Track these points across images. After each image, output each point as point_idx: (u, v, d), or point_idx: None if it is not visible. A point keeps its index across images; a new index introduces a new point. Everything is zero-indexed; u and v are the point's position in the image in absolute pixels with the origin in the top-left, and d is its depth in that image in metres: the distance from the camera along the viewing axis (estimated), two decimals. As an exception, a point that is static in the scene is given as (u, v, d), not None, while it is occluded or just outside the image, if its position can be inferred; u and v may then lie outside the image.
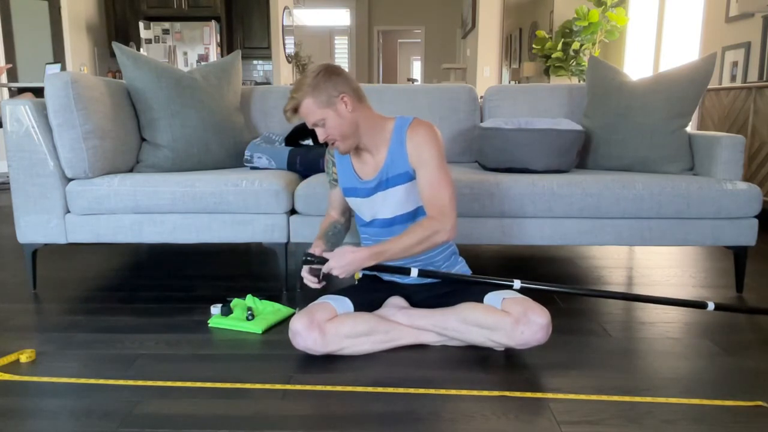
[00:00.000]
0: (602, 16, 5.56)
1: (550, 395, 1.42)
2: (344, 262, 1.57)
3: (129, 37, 7.18)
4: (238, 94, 2.60)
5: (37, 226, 2.14)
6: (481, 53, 6.94)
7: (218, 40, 7.12)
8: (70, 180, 2.13)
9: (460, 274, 1.71)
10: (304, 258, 1.62)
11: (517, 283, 1.63)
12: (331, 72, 1.61)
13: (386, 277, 1.80)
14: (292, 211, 2.17)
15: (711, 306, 1.67)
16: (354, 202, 1.78)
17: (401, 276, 1.77)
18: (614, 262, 2.65)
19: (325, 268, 1.60)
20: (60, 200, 2.12)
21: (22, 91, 5.29)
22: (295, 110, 1.61)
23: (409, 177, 1.68)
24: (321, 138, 1.63)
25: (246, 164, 2.37)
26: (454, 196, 1.63)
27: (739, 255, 2.19)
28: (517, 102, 2.71)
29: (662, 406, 1.37)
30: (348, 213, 1.91)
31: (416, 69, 13.40)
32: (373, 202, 1.72)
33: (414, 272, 1.63)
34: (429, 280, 1.77)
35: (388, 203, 1.70)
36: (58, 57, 6.51)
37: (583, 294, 1.72)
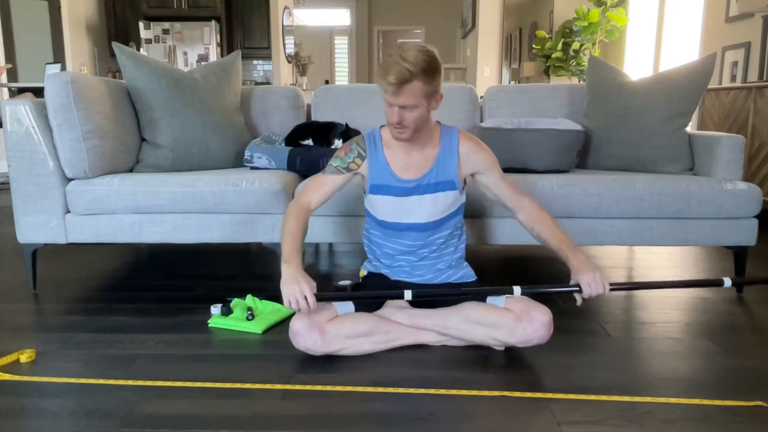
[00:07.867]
0: (602, 16, 5.56)
1: (550, 395, 1.42)
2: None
3: (129, 37, 7.18)
4: (238, 94, 2.60)
5: (37, 226, 2.13)
6: (481, 53, 6.93)
7: (218, 40, 7.11)
8: (70, 180, 2.13)
9: (456, 289, 1.73)
10: (346, 287, 1.68)
11: (516, 290, 1.59)
12: (440, 63, 1.54)
13: (393, 276, 1.78)
14: (292, 211, 2.17)
15: (728, 282, 1.62)
16: (381, 201, 1.70)
17: (408, 274, 1.76)
18: (614, 262, 2.65)
19: (586, 293, 1.55)
20: (60, 200, 2.12)
21: (22, 91, 5.28)
22: (403, 83, 1.46)
23: (453, 186, 1.68)
24: (395, 119, 1.52)
25: (246, 164, 2.37)
26: None
27: (739, 255, 2.19)
28: (517, 102, 2.71)
29: (662, 406, 1.37)
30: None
31: (416, 69, 13.36)
32: (407, 203, 1.68)
33: (407, 295, 1.56)
34: (431, 281, 1.76)
35: (426, 208, 1.68)
36: (58, 57, 6.50)
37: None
